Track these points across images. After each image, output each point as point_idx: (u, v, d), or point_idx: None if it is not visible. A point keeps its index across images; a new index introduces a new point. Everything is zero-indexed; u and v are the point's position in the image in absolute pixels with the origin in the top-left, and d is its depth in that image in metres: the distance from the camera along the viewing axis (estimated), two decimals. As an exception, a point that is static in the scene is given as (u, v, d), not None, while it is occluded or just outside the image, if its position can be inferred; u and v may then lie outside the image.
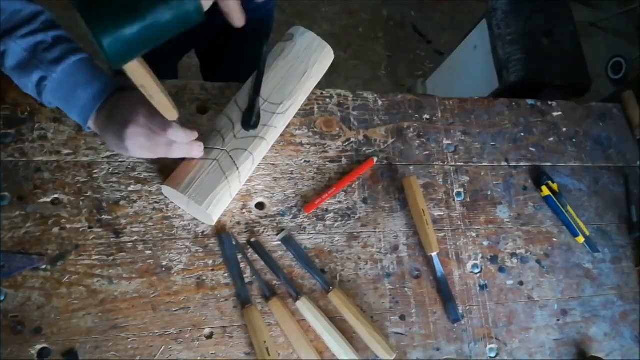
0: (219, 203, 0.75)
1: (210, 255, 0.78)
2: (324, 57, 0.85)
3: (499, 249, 0.93)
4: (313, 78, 0.85)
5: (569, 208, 0.97)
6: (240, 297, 0.77)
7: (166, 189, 0.76)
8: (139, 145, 0.69)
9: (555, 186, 0.98)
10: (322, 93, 0.93)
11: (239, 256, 0.79)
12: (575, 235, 0.97)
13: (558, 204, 0.97)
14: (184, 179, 0.73)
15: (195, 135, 0.72)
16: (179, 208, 0.79)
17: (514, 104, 1.06)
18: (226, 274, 0.78)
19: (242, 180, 0.79)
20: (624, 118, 1.14)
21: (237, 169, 0.76)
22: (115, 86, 0.71)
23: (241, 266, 0.79)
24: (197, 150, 0.73)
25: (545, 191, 0.97)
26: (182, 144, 0.71)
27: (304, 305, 0.77)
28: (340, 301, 0.79)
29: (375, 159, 0.91)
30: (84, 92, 0.69)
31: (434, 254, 0.86)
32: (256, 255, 0.80)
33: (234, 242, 0.80)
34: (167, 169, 0.80)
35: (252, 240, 0.80)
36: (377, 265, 0.85)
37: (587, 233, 0.97)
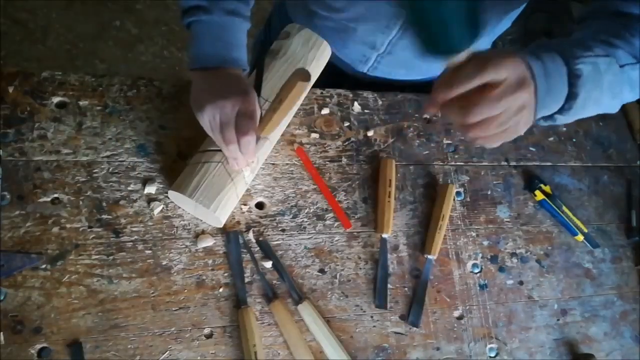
0: (227, 205, 0.75)
1: (210, 255, 0.78)
2: (321, 53, 0.85)
3: (498, 249, 0.93)
4: (312, 75, 0.85)
5: (564, 208, 0.97)
6: (237, 297, 0.77)
7: (173, 194, 0.76)
8: (207, 122, 0.68)
9: (547, 188, 0.98)
10: (322, 93, 0.93)
11: (243, 256, 0.79)
12: (574, 234, 0.97)
13: (553, 206, 0.97)
14: (190, 183, 0.73)
15: (249, 163, 0.72)
16: (179, 207, 0.79)
17: (514, 103, 1.06)
18: (226, 274, 0.78)
19: (247, 181, 0.79)
20: (624, 118, 1.14)
21: (242, 170, 0.76)
22: (240, 65, 0.72)
23: (242, 266, 0.79)
24: (241, 165, 0.72)
25: (539, 195, 0.97)
26: (235, 150, 0.68)
27: (305, 310, 0.77)
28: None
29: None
30: (217, 47, 0.70)
31: (431, 257, 0.86)
32: (257, 255, 0.80)
33: (241, 242, 0.80)
34: (167, 169, 0.80)
35: (260, 239, 0.81)
36: (377, 265, 0.85)
37: (585, 230, 0.97)
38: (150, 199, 0.78)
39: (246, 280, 0.78)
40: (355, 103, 0.94)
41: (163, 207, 0.78)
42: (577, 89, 0.59)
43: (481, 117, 0.55)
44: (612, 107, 0.67)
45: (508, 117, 0.56)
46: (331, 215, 0.86)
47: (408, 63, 0.92)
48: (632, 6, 0.66)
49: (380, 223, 0.86)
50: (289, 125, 0.88)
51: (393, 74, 0.97)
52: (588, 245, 0.98)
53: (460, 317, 0.86)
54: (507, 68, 0.55)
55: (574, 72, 0.58)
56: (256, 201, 0.83)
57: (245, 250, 0.80)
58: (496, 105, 0.55)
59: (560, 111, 0.61)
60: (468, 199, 0.94)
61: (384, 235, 0.86)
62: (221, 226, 0.79)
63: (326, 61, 0.87)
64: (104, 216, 0.76)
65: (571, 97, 0.60)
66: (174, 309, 0.74)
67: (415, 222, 0.89)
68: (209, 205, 0.72)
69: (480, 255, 0.91)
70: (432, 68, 0.95)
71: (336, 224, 0.85)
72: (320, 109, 0.92)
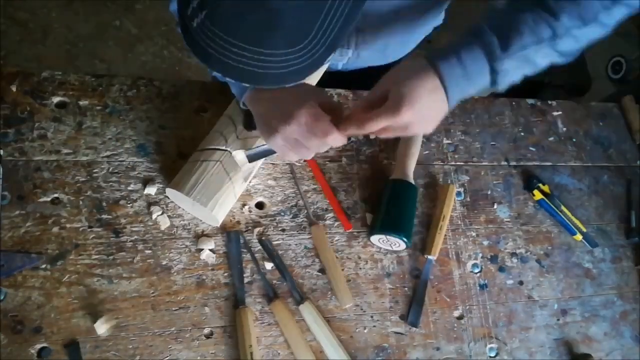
0: (224, 204, 0.75)
1: (210, 255, 0.78)
2: None
3: (498, 249, 0.93)
4: (312, 76, 0.85)
5: (562, 208, 0.97)
6: (236, 297, 0.77)
7: (170, 192, 0.76)
8: (286, 143, 0.65)
9: (546, 188, 0.98)
10: (322, 92, 0.93)
11: (244, 256, 0.79)
12: (573, 234, 0.97)
13: (551, 205, 0.97)
14: (188, 181, 0.73)
15: (346, 138, 0.68)
16: (179, 207, 0.79)
17: (514, 103, 1.06)
18: (226, 274, 0.78)
19: (245, 181, 0.79)
20: (624, 118, 1.14)
21: (241, 169, 0.76)
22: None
23: (242, 266, 0.79)
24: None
25: (538, 195, 0.97)
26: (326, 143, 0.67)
27: (306, 310, 0.77)
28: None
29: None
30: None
31: (431, 257, 0.86)
32: (257, 255, 0.80)
33: (242, 242, 0.80)
34: (167, 169, 0.80)
35: (263, 238, 0.81)
36: (377, 265, 0.85)
37: (584, 229, 0.97)
38: (150, 203, 0.78)
39: (246, 280, 0.78)
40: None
41: (163, 211, 0.78)
42: (498, 79, 0.64)
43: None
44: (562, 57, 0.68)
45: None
46: (331, 215, 0.86)
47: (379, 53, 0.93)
48: None
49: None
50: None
51: (369, 62, 0.97)
52: (587, 244, 0.98)
53: (460, 317, 0.86)
54: (414, 106, 0.61)
55: (495, 69, 0.63)
56: (256, 201, 0.83)
57: (245, 250, 0.80)
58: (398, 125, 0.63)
59: (494, 86, 0.66)
60: (468, 199, 0.94)
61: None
62: (218, 225, 0.79)
63: (325, 66, 0.88)
64: (104, 216, 0.76)
65: (495, 82, 0.65)
66: (174, 309, 0.74)
67: (415, 222, 0.89)
68: (207, 203, 0.72)
69: (480, 255, 0.91)
70: (403, 48, 0.97)
71: (336, 223, 0.85)
72: (320, 109, 0.92)
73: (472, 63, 0.62)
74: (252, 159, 0.76)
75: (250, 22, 0.41)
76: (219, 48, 0.43)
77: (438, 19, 0.92)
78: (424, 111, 0.63)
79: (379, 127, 0.63)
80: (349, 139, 0.91)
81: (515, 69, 0.64)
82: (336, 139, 0.65)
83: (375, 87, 0.66)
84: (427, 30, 0.94)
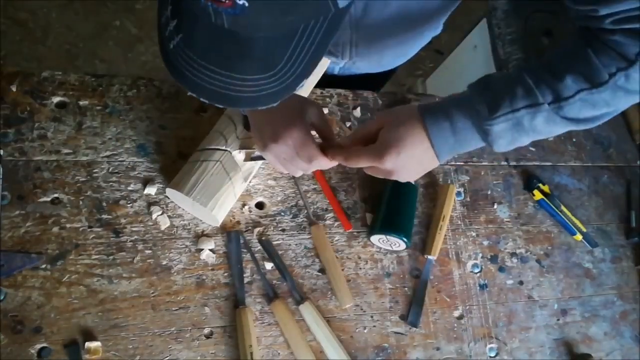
0: (224, 204, 0.75)
1: (210, 255, 0.78)
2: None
3: (498, 249, 0.93)
4: (313, 75, 0.85)
5: (562, 208, 0.97)
6: (236, 297, 0.77)
7: (170, 192, 0.76)
8: (276, 159, 0.68)
9: (546, 188, 0.98)
10: (322, 92, 0.93)
11: (244, 256, 0.79)
12: (573, 234, 0.97)
13: (551, 205, 0.97)
14: (188, 181, 0.73)
15: (336, 163, 0.68)
16: (179, 207, 0.79)
17: (514, 103, 1.06)
18: (226, 274, 0.78)
19: (245, 181, 0.79)
20: (624, 118, 1.14)
21: (241, 169, 0.76)
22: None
23: (242, 266, 0.79)
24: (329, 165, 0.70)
25: (538, 195, 0.97)
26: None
27: (306, 310, 0.77)
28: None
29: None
30: None
31: (431, 257, 0.86)
32: (257, 255, 0.80)
33: (242, 242, 0.80)
34: (167, 169, 0.80)
35: (263, 238, 0.81)
36: (377, 265, 0.85)
37: (584, 229, 0.97)
38: (150, 203, 0.78)
39: (246, 280, 0.78)
40: (358, 109, 0.94)
41: (163, 211, 0.78)
42: (490, 140, 0.62)
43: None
44: (571, 128, 0.63)
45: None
46: (331, 215, 0.86)
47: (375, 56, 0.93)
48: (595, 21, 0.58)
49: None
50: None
51: (366, 70, 0.98)
52: (587, 244, 0.98)
53: (460, 317, 0.86)
54: (399, 154, 0.63)
55: (484, 130, 0.61)
56: (256, 201, 0.83)
57: (245, 250, 0.80)
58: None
59: (491, 147, 0.64)
60: (468, 199, 0.94)
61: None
62: (218, 225, 0.79)
63: (327, 65, 0.88)
64: (104, 216, 0.76)
65: (489, 144, 0.63)
66: (174, 309, 0.74)
67: (415, 222, 0.89)
68: (206, 203, 0.73)
69: (480, 255, 0.91)
70: (397, 59, 0.99)
71: (336, 223, 0.85)
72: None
73: (459, 122, 0.62)
74: (256, 158, 0.77)
75: (223, 48, 0.43)
76: (194, 70, 0.45)
77: (436, 31, 0.92)
78: (407, 161, 0.63)
79: (360, 165, 0.65)
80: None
81: (510, 133, 0.61)
82: (322, 164, 0.66)
83: (369, 122, 0.68)
84: (425, 41, 0.94)
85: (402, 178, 0.67)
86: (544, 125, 0.61)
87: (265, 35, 0.42)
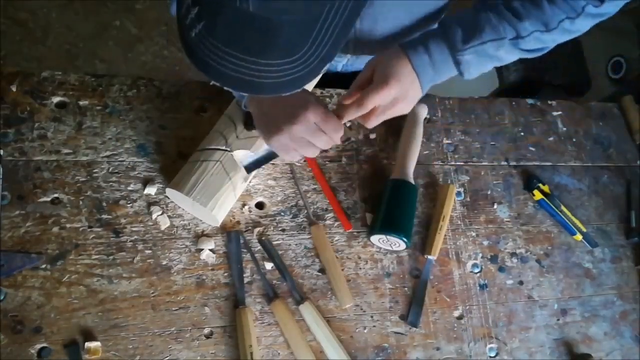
0: (224, 204, 0.75)
1: (210, 255, 0.78)
2: None
3: (498, 249, 0.93)
4: (312, 82, 0.85)
5: (562, 208, 0.97)
6: (236, 297, 0.77)
7: (170, 192, 0.76)
8: (290, 142, 0.67)
9: (546, 188, 0.98)
10: (322, 93, 0.93)
11: (244, 256, 0.79)
12: (573, 234, 0.97)
13: (551, 205, 0.97)
14: (188, 181, 0.73)
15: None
16: (179, 207, 0.79)
17: (513, 103, 1.06)
18: (226, 274, 0.78)
19: (245, 181, 0.79)
20: (624, 118, 1.14)
21: (241, 169, 0.76)
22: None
23: (242, 266, 0.79)
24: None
25: (538, 195, 0.97)
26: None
27: (306, 310, 0.77)
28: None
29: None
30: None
31: (431, 257, 0.86)
32: (257, 255, 0.80)
33: (242, 242, 0.80)
34: (167, 169, 0.80)
35: (263, 238, 0.81)
36: (377, 265, 0.85)
37: (584, 229, 0.97)
38: (150, 203, 0.78)
39: (246, 280, 0.78)
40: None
41: (163, 211, 0.78)
42: (462, 69, 0.72)
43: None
44: (527, 55, 0.75)
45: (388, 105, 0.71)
46: (331, 215, 0.86)
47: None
48: None
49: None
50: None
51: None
52: (587, 244, 0.98)
53: (460, 317, 0.86)
54: (400, 80, 0.69)
55: (457, 60, 0.71)
56: (256, 201, 0.83)
57: (245, 250, 0.80)
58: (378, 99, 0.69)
59: (462, 75, 0.74)
60: (468, 199, 0.94)
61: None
62: (218, 225, 0.79)
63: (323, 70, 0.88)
64: (104, 216, 0.76)
65: (460, 72, 0.73)
66: (174, 309, 0.74)
67: (415, 222, 0.89)
68: (206, 203, 0.73)
69: (480, 255, 0.91)
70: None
71: (336, 223, 0.85)
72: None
73: (436, 53, 0.71)
74: (250, 169, 0.77)
75: (247, 34, 0.42)
76: (218, 58, 0.44)
77: (437, 23, 0.92)
78: (406, 87, 0.70)
79: (372, 104, 0.69)
80: (348, 139, 0.91)
81: (477, 61, 0.72)
82: (340, 133, 0.69)
83: (361, 73, 0.73)
84: None
85: (403, 106, 0.72)
86: (504, 54, 0.73)
87: (291, 18, 0.42)
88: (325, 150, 0.89)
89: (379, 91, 0.68)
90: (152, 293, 0.74)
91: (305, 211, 0.85)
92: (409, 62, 0.70)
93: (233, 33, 0.42)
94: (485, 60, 0.73)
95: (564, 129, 1.07)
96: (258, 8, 0.40)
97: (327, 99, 0.93)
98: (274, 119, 0.66)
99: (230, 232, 0.79)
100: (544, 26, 0.71)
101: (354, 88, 0.72)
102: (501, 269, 0.91)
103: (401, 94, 0.70)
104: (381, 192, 0.87)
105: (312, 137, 0.66)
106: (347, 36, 0.48)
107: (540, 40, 0.72)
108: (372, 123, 0.71)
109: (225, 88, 0.47)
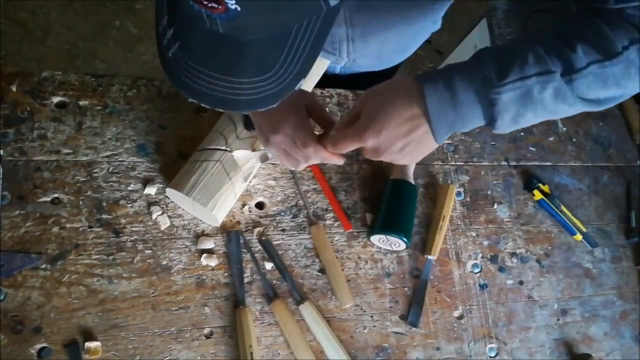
0: (224, 204, 0.75)
1: (210, 255, 0.78)
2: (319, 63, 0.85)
3: (498, 249, 0.93)
4: (312, 76, 0.85)
5: (562, 208, 0.97)
6: (236, 297, 0.77)
7: (170, 192, 0.76)
8: (278, 152, 0.68)
9: (546, 188, 0.98)
10: (322, 93, 0.93)
11: (244, 256, 0.79)
12: (573, 234, 0.97)
13: (551, 205, 0.97)
14: (188, 181, 0.73)
15: (341, 158, 0.66)
16: (179, 207, 0.79)
17: (514, 103, 1.06)
18: (226, 274, 0.78)
19: (245, 181, 0.79)
20: (624, 118, 1.14)
21: (241, 169, 0.76)
22: None
23: (242, 266, 0.79)
24: (337, 160, 0.67)
25: (538, 195, 0.97)
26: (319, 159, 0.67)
27: (306, 310, 0.77)
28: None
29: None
30: None
31: (431, 257, 0.86)
32: (258, 255, 0.80)
33: (242, 242, 0.80)
34: (167, 169, 0.80)
35: (263, 239, 0.81)
36: (377, 265, 0.85)
37: (584, 229, 0.97)
38: (150, 203, 0.78)
39: (246, 280, 0.78)
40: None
41: (163, 211, 0.78)
42: (495, 113, 0.56)
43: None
44: (580, 110, 0.60)
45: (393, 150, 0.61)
46: (331, 215, 0.86)
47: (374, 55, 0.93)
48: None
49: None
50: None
51: (366, 67, 0.98)
52: (587, 244, 0.98)
53: (460, 317, 0.86)
54: (379, 133, 0.58)
55: (491, 100, 0.55)
56: (256, 201, 0.83)
57: (245, 250, 0.80)
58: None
59: (492, 126, 0.59)
60: (468, 199, 0.94)
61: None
62: (218, 225, 0.79)
63: (326, 65, 0.88)
64: (104, 216, 0.76)
65: (492, 120, 0.57)
66: (174, 309, 0.74)
67: (415, 222, 0.89)
68: (206, 203, 0.73)
69: (480, 255, 0.91)
70: (396, 58, 0.98)
71: (336, 223, 0.85)
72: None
73: (462, 89, 0.54)
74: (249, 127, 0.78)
75: (218, 54, 0.44)
76: (193, 77, 0.45)
77: (434, 26, 0.92)
78: (393, 140, 0.58)
79: (348, 148, 0.61)
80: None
81: (517, 104, 0.55)
82: (319, 153, 0.64)
83: (357, 102, 0.63)
84: (424, 37, 0.94)
85: (393, 159, 0.61)
86: (552, 100, 0.55)
87: (260, 38, 0.43)
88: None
89: (353, 140, 0.60)
90: (152, 293, 0.74)
91: (305, 211, 0.85)
92: (416, 105, 0.57)
93: (205, 53, 0.44)
94: (527, 107, 0.56)
95: (564, 129, 1.07)
96: (227, 29, 0.41)
97: (327, 99, 0.93)
98: (262, 128, 0.67)
99: (230, 232, 0.79)
100: (601, 54, 0.54)
101: (344, 121, 0.63)
102: (501, 269, 0.91)
103: (383, 147, 0.59)
104: (381, 192, 0.87)
105: (290, 150, 0.66)
106: (319, 52, 0.47)
107: (600, 79, 0.54)
108: (369, 157, 0.64)
109: (202, 105, 0.48)
